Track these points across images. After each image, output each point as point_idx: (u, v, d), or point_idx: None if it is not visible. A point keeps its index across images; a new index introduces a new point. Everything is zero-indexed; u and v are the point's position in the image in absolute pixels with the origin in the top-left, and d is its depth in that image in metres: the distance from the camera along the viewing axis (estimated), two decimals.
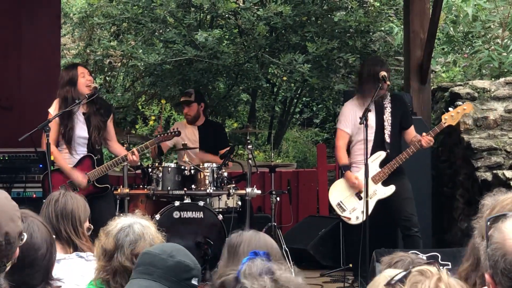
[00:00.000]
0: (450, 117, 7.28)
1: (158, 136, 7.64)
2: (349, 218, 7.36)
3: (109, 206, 7.21)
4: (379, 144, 7.34)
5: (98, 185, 7.20)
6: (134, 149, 7.29)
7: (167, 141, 7.97)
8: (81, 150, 7.21)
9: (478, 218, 2.73)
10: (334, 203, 7.45)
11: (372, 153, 7.27)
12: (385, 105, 7.41)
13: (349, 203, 7.37)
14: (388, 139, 7.36)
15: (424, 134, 7.26)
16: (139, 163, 7.64)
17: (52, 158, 6.83)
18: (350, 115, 7.45)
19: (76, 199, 4.29)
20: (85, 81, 7.13)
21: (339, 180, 7.62)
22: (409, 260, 3.29)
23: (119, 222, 3.52)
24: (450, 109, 7.38)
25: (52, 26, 9.83)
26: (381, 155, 7.34)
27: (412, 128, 7.52)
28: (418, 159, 7.65)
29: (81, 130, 7.18)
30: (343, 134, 7.50)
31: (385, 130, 7.37)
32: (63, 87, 7.13)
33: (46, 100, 9.03)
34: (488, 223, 2.15)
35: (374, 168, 7.27)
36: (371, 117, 7.28)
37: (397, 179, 7.35)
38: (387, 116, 7.40)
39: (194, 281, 2.96)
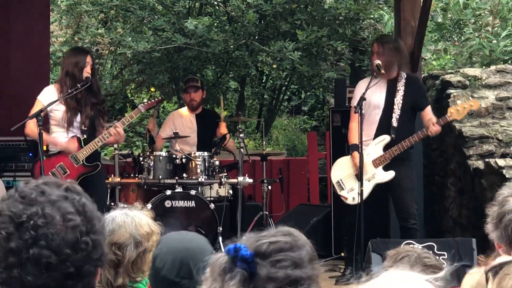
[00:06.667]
0: (456, 111, 7.05)
1: (142, 104, 7.52)
2: (346, 198, 7.19)
3: (101, 183, 7.09)
4: (384, 127, 7.13)
5: (88, 164, 6.98)
6: (116, 123, 7.10)
7: (152, 108, 7.81)
8: (74, 132, 7.06)
9: (492, 205, 2.76)
10: (334, 180, 7.30)
11: (376, 136, 7.12)
12: (398, 88, 7.19)
13: (348, 182, 7.20)
14: (395, 123, 7.12)
15: (434, 122, 7.06)
16: (123, 138, 7.38)
17: (44, 147, 6.74)
18: (359, 95, 7.10)
19: None
20: (87, 70, 7.00)
21: (342, 158, 7.40)
22: (415, 256, 3.25)
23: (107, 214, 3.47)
24: (458, 102, 7.25)
25: (42, 14, 9.74)
26: (385, 138, 7.11)
27: (427, 109, 7.26)
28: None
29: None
30: (355, 115, 7.14)
31: (393, 114, 7.14)
32: (68, 67, 7.02)
33: (35, 89, 8.93)
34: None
35: (377, 151, 7.09)
36: (381, 96, 7.13)
37: (401, 166, 7.14)
38: (398, 99, 7.16)
39: None
